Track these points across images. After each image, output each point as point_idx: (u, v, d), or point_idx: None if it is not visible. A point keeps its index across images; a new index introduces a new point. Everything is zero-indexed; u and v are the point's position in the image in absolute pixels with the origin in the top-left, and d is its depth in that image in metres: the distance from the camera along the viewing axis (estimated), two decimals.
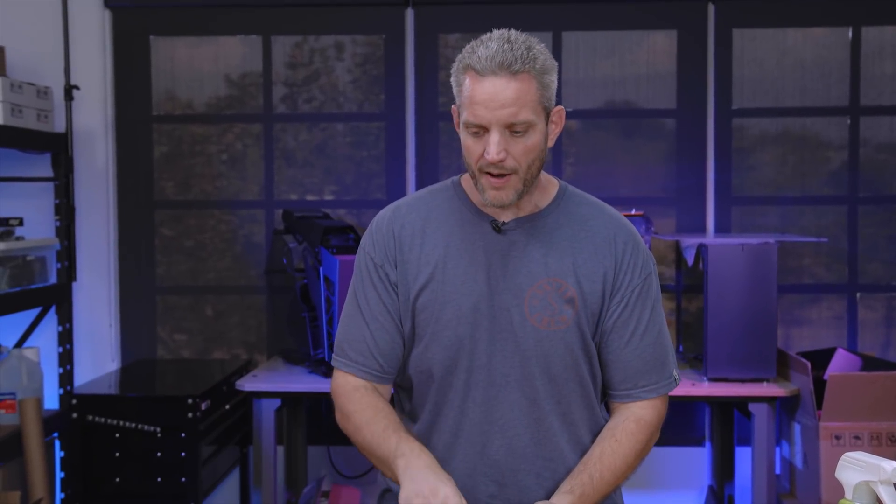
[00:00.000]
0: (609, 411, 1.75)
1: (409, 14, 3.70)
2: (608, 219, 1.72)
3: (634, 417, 1.69)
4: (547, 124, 1.61)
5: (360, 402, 1.68)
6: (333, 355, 1.75)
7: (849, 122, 3.67)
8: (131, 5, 3.71)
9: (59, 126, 3.48)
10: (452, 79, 1.62)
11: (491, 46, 1.54)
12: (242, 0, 3.71)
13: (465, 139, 1.60)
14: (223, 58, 3.77)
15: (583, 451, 1.69)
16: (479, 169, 1.59)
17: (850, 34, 3.65)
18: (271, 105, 3.76)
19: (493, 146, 1.54)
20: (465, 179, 1.73)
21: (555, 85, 1.60)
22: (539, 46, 1.58)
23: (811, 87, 3.67)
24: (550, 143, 1.64)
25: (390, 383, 1.75)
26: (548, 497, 1.64)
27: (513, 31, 1.58)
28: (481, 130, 1.56)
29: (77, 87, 3.54)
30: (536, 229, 1.67)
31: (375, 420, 1.64)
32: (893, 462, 1.16)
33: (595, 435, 1.71)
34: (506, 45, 1.54)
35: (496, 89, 1.53)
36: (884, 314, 3.68)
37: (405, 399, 1.76)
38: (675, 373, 1.73)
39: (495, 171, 1.57)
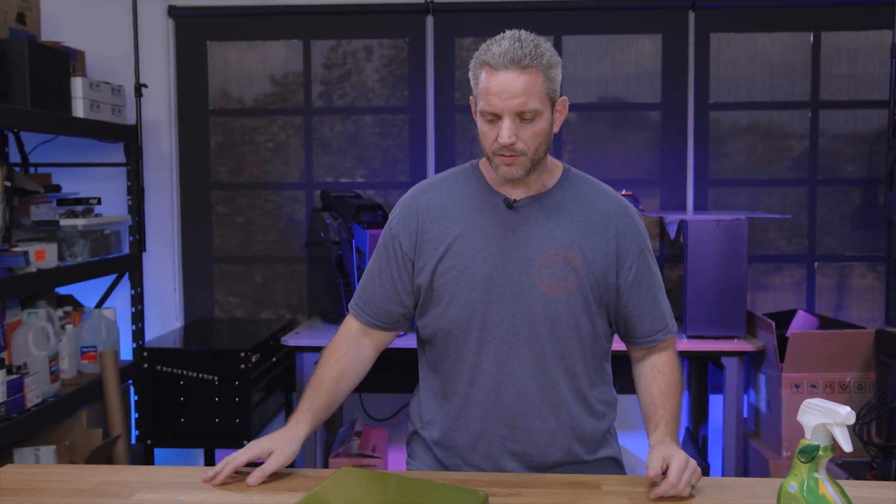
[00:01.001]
0: (633, 359, 1.78)
1: (430, 21, 3.68)
2: (606, 195, 1.71)
3: (664, 353, 1.73)
4: (552, 112, 1.59)
5: (334, 353, 1.75)
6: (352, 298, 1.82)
7: (810, 114, 3.64)
8: (191, 15, 3.71)
9: (131, 119, 3.49)
10: (470, 73, 1.61)
11: (503, 44, 1.53)
12: (285, 10, 3.70)
13: (482, 125, 1.59)
14: (269, 60, 3.76)
15: (583, 399, 1.69)
16: (493, 152, 1.58)
17: (812, 38, 3.62)
18: (310, 100, 3.76)
19: (506, 131, 1.53)
20: (483, 163, 1.72)
21: (559, 78, 1.58)
22: (546, 44, 1.56)
23: (777, 84, 3.64)
24: (556, 129, 1.62)
25: (386, 331, 1.77)
26: (552, 436, 1.66)
27: (522, 32, 1.57)
28: (495, 118, 1.55)
29: (145, 86, 3.54)
30: (544, 206, 1.66)
31: (318, 375, 1.72)
32: (847, 407, 1.16)
33: (592, 384, 1.71)
34: (516, 44, 1.53)
35: (508, 81, 1.52)
36: (837, 280, 3.67)
37: (429, 351, 1.76)
38: (673, 319, 1.78)
39: (507, 153, 1.56)
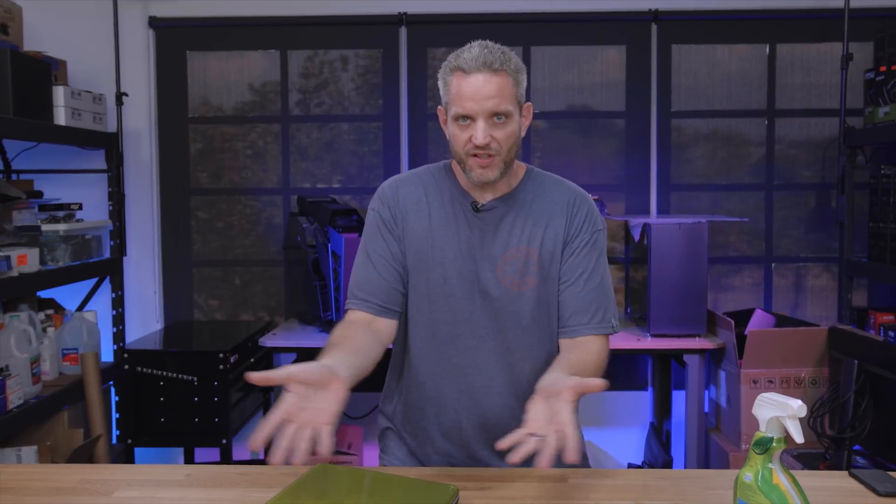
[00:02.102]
0: (559, 351, 1.70)
1: (403, 31, 3.68)
2: (565, 188, 1.72)
3: (581, 342, 1.64)
4: (520, 116, 1.60)
5: (343, 331, 1.58)
6: (347, 301, 1.69)
7: (766, 122, 3.69)
8: (171, 25, 3.68)
9: (112, 126, 3.46)
10: (440, 81, 1.61)
11: (474, 50, 1.55)
12: (263, 20, 3.69)
13: (454, 129, 1.58)
14: (247, 69, 3.75)
15: None
16: (466, 153, 1.58)
17: (768, 50, 3.66)
18: (288, 108, 3.75)
19: (480, 132, 1.54)
20: (454, 164, 1.72)
21: (525, 84, 1.60)
22: (511, 52, 1.58)
23: (735, 93, 3.68)
24: (522, 134, 1.63)
25: (392, 318, 1.67)
26: (517, 419, 1.63)
27: (488, 41, 1.58)
28: (469, 120, 1.56)
29: (126, 94, 3.51)
30: (510, 206, 1.67)
31: (331, 347, 1.50)
32: (798, 400, 1.18)
33: None
34: (486, 49, 1.55)
35: (481, 84, 1.52)
36: (793, 281, 3.72)
37: (398, 345, 1.75)
38: (613, 321, 1.67)
39: (482, 154, 1.56)
